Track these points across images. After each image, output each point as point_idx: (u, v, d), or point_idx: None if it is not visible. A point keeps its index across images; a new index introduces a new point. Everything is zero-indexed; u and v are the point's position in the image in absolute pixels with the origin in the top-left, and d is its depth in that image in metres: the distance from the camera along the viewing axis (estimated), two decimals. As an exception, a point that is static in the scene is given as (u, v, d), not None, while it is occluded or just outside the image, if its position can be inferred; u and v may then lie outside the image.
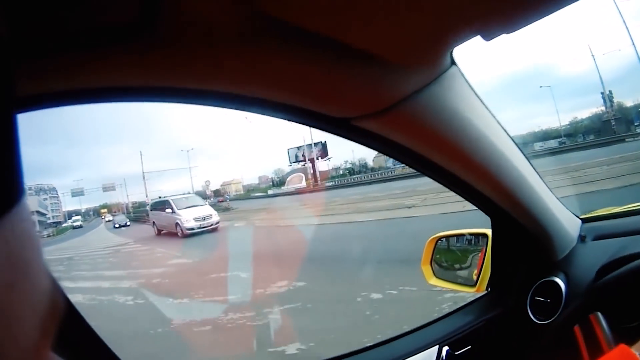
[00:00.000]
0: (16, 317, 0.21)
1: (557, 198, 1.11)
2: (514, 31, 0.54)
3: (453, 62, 0.71)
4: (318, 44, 0.53)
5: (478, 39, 0.57)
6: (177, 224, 14.94)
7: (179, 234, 14.66)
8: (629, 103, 26.22)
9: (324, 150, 31.60)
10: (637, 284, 0.83)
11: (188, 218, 14.88)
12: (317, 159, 31.86)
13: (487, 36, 0.55)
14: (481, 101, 0.82)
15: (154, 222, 17.02)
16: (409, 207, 11.45)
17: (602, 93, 26.26)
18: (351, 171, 34.37)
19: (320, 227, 10.97)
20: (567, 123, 30.00)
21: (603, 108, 26.09)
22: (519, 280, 1.15)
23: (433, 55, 0.63)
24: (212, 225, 15.03)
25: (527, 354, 1.05)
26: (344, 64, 0.58)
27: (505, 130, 0.91)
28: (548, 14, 0.52)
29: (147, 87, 0.60)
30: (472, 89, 0.79)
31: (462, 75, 0.75)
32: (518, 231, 1.09)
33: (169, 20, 0.47)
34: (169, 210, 15.81)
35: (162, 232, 16.15)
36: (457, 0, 0.48)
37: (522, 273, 1.15)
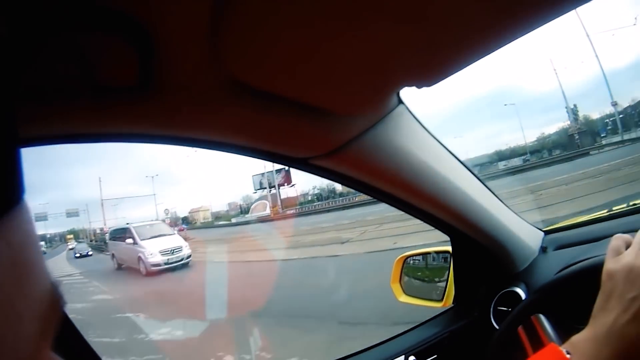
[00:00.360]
0: (17, 317, 0.22)
1: (517, 214, 1.22)
2: (441, 81, 0.66)
3: (400, 102, 0.82)
4: (277, 101, 0.66)
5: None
6: (139, 257, 12.36)
7: (142, 270, 12.14)
8: (595, 115, 27.13)
9: (287, 177, 31.76)
10: (582, 285, 0.87)
11: (153, 251, 12.28)
12: (284, 185, 32.03)
13: (419, 86, 0.67)
14: (429, 133, 0.93)
15: (112, 254, 14.49)
16: (342, 243, 11.58)
17: (566, 107, 27.21)
18: (319, 197, 34.54)
19: (245, 265, 11.14)
20: (535, 139, 30.97)
21: (569, 122, 26.96)
22: (482, 292, 1.25)
23: (376, 103, 0.75)
24: (182, 260, 12.49)
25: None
26: (299, 115, 0.71)
27: (456, 157, 1.02)
28: (472, 63, 0.62)
29: (139, 134, 0.73)
30: (420, 123, 0.90)
31: (410, 112, 0.86)
32: (476, 248, 1.19)
33: (160, 85, 0.60)
34: (129, 240, 13.30)
35: (122, 266, 13.68)
36: (388, 63, 0.60)
37: (485, 286, 1.25)
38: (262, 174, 32.34)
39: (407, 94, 0.81)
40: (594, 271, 0.74)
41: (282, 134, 0.77)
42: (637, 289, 0.64)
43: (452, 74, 0.64)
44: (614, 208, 1.32)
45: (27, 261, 0.23)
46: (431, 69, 0.63)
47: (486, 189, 1.12)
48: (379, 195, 1.02)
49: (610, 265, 0.70)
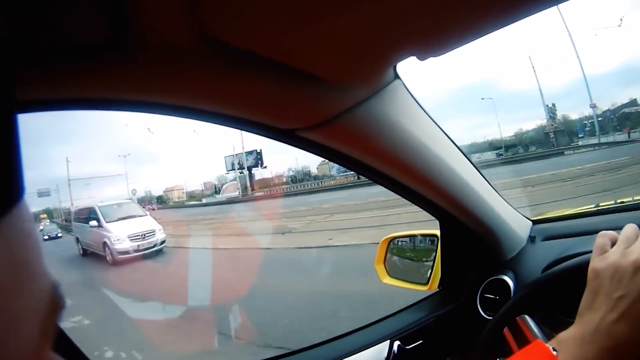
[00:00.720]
0: (17, 316, 0.22)
1: (507, 202, 1.24)
2: (445, 54, 0.65)
3: (397, 76, 0.81)
4: (263, 64, 0.62)
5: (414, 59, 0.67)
6: (105, 243, 10.81)
7: (108, 258, 10.61)
8: (574, 116, 27.75)
9: (258, 159, 31.88)
10: (570, 283, 0.88)
11: (120, 236, 10.70)
12: (257, 167, 32.26)
13: (421, 57, 0.66)
14: (425, 112, 0.92)
15: (77, 237, 12.69)
16: (283, 233, 11.46)
17: (545, 105, 27.77)
18: (294, 179, 34.72)
19: (176, 251, 10.96)
20: (512, 134, 31.67)
21: (548, 120, 27.50)
22: (469, 278, 1.27)
23: (372, 73, 0.73)
24: (155, 246, 10.91)
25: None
26: (287, 81, 0.67)
27: (450, 139, 1.01)
28: (480, 37, 0.62)
29: (115, 99, 0.68)
30: (415, 101, 0.89)
31: (406, 88, 0.84)
32: (465, 233, 1.21)
33: (134, 42, 0.55)
34: (94, 222, 11.62)
35: (88, 252, 11.89)
36: (391, 27, 0.57)
37: (473, 272, 1.27)
38: (234, 155, 32.44)
39: (405, 69, 0.80)
40: (582, 269, 0.76)
41: (269, 101, 0.73)
42: (623, 288, 0.66)
43: (457, 47, 0.63)
44: (600, 204, 1.37)
45: (26, 261, 0.23)
46: (437, 38, 0.62)
47: (479, 173, 1.12)
48: (368, 173, 1.01)
49: (596, 263, 0.72)
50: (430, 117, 0.94)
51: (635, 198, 1.33)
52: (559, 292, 0.93)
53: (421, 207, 1.17)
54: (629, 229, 0.74)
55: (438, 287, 1.34)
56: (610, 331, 0.65)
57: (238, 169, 32.16)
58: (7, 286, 0.21)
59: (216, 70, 0.63)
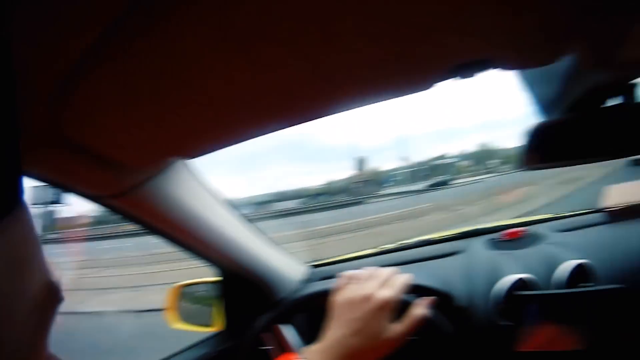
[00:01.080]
0: (17, 315, 0.23)
1: (281, 251, 1.49)
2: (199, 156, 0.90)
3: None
4: (82, 149, 0.79)
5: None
6: None
7: None
8: (387, 167, 30.26)
9: (58, 194, 27.90)
10: (316, 303, 1.13)
11: None
12: (58, 202, 28.03)
13: (188, 157, 0.90)
14: (203, 185, 1.15)
15: None
16: None
17: (355, 158, 29.98)
18: (99, 220, 31.52)
19: None
20: (324, 183, 33.16)
21: (356, 171, 29.31)
22: (247, 316, 1.44)
23: (152, 163, 0.93)
24: None
25: None
26: (95, 159, 0.83)
27: (226, 204, 1.25)
28: (243, 141, 0.83)
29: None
30: (195, 177, 1.11)
31: (187, 166, 1.06)
32: (240, 280, 1.42)
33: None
34: None
35: None
36: (156, 138, 0.78)
37: (250, 311, 1.45)
38: (37, 187, 27.63)
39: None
40: (325, 294, 1.03)
41: (81, 172, 0.87)
42: (354, 313, 0.89)
43: (215, 150, 0.87)
44: (381, 247, 1.65)
45: (28, 259, 0.25)
46: (195, 145, 0.85)
47: (250, 229, 1.37)
48: (160, 235, 1.18)
49: (336, 298, 0.97)
50: (207, 187, 1.16)
51: (412, 240, 1.58)
52: (307, 312, 1.20)
53: (203, 261, 1.36)
54: (365, 271, 1.01)
55: (223, 327, 1.51)
56: (346, 343, 0.85)
57: (39, 204, 27.75)
58: (8, 284, 0.22)
59: (52, 153, 0.77)
